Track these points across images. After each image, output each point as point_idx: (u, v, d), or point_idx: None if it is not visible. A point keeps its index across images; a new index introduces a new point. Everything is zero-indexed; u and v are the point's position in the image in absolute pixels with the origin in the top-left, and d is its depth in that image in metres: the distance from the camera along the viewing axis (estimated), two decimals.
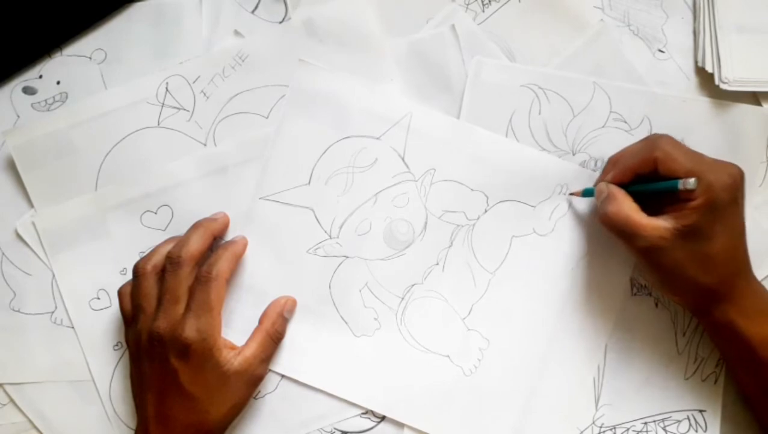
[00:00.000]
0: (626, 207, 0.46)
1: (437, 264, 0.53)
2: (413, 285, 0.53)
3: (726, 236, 0.45)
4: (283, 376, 0.53)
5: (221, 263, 0.50)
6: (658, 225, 0.45)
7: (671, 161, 0.45)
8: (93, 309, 0.54)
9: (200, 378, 0.48)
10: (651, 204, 0.47)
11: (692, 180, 0.43)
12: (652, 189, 0.47)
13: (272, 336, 0.51)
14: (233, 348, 0.50)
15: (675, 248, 0.45)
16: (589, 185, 0.53)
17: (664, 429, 0.52)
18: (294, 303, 0.53)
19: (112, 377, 0.53)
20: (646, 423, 0.52)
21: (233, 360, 0.49)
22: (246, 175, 0.54)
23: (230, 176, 0.55)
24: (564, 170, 0.53)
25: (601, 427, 0.52)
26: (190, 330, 0.47)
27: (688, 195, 0.44)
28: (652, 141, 0.47)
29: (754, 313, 0.46)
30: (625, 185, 0.48)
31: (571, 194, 0.53)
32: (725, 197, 0.44)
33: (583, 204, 0.53)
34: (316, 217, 0.54)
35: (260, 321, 0.52)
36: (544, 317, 0.53)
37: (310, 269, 0.53)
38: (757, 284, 0.48)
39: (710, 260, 0.45)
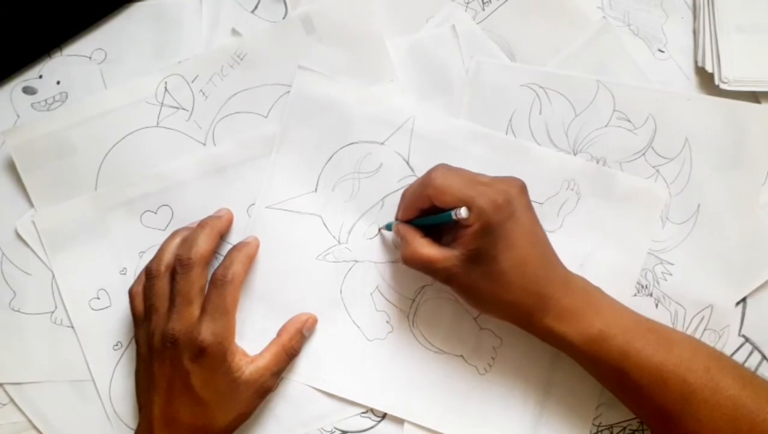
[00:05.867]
0: (417, 245, 0.48)
1: None
2: (424, 287, 0.53)
3: (511, 253, 0.46)
4: (282, 376, 0.52)
5: (236, 266, 0.50)
6: (448, 255, 0.47)
7: (442, 195, 0.46)
8: (93, 309, 0.54)
9: (211, 382, 0.48)
10: (448, 230, 0.49)
11: (463, 210, 0.44)
12: (432, 222, 0.48)
13: (288, 351, 0.51)
14: (246, 355, 0.50)
15: (468, 272, 0.46)
16: (596, 180, 0.53)
17: None
18: (315, 321, 0.53)
19: (112, 377, 0.53)
20: (641, 422, 0.52)
21: (245, 368, 0.49)
22: (246, 174, 0.54)
23: (230, 175, 0.54)
24: (570, 165, 0.54)
25: (598, 426, 0.52)
26: (207, 333, 0.47)
27: (466, 222, 0.45)
28: (426, 179, 0.48)
29: (568, 316, 0.47)
30: (413, 219, 0.50)
31: (379, 229, 0.54)
32: (498, 218, 0.45)
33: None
34: (324, 223, 0.54)
35: (279, 334, 0.52)
36: None
37: (320, 276, 0.53)
38: (570, 285, 0.48)
39: (503, 278, 0.46)
